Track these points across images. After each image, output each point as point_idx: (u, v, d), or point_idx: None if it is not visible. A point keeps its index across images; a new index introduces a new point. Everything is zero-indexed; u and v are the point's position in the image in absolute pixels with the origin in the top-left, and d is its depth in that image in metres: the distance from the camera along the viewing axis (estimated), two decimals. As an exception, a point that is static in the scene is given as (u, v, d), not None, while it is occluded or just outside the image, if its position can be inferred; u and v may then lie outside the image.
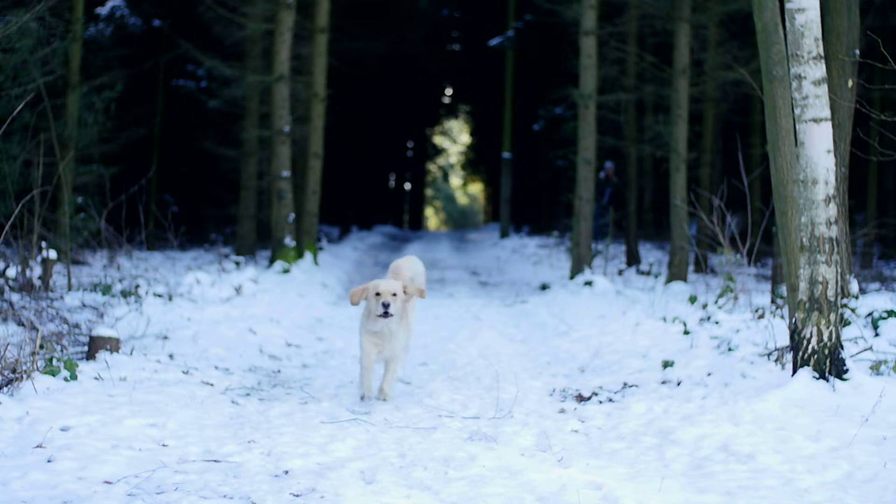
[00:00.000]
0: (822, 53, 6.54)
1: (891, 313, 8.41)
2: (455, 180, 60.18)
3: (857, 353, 7.51)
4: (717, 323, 9.88)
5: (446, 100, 45.02)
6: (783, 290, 9.89)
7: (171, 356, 8.28)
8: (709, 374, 7.73)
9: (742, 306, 10.78)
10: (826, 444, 5.58)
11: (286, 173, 16.67)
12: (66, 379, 6.81)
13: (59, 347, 7.88)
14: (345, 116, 29.84)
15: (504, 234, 29.22)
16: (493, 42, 29.90)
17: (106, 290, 11.25)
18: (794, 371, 6.62)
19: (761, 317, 9.62)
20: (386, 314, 6.90)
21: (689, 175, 16.00)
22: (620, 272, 17.68)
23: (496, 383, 7.75)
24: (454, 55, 39.89)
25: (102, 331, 7.94)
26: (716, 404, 6.52)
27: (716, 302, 11.25)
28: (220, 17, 18.39)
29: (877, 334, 8.21)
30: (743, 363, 7.83)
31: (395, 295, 6.99)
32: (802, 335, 6.56)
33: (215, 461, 5.30)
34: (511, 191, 29.72)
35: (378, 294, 6.97)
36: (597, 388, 7.80)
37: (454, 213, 65.78)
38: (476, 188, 59.14)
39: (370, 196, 37.75)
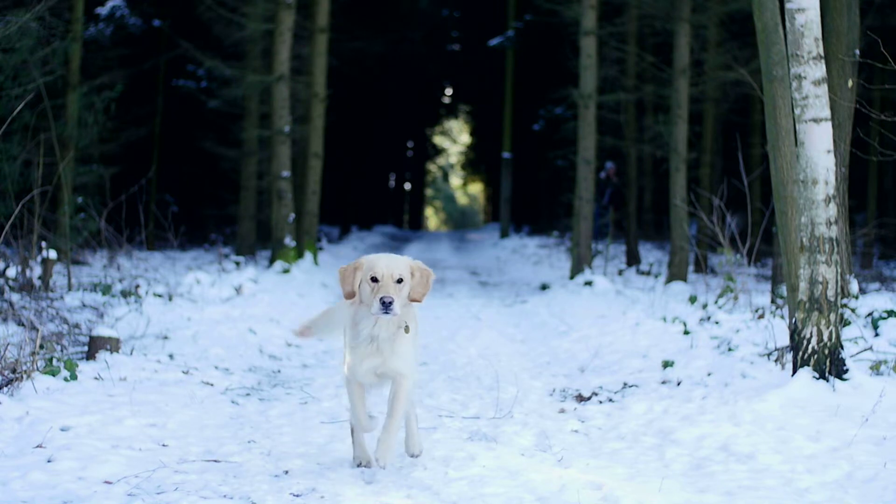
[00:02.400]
0: (822, 53, 6.54)
1: (891, 313, 8.41)
2: (455, 180, 60.18)
3: (857, 353, 7.51)
4: (717, 323, 9.88)
5: (446, 100, 45.03)
6: (783, 290, 9.89)
7: (171, 356, 8.28)
8: (709, 374, 7.73)
9: (742, 306, 10.78)
10: (826, 444, 5.57)
11: (286, 173, 16.67)
12: (66, 379, 6.81)
13: (59, 347, 7.87)
14: (345, 116, 29.84)
15: (504, 234, 29.22)
16: (493, 42, 29.90)
17: (106, 290, 11.25)
18: (794, 371, 6.62)
19: (761, 317, 9.62)
20: (386, 311, 4.82)
21: (689, 175, 16.00)
22: (620, 272, 17.68)
23: (496, 383, 7.75)
24: (454, 55, 39.89)
25: (102, 331, 7.94)
26: (716, 404, 6.52)
27: (716, 302, 11.25)
28: (220, 17, 18.39)
29: (877, 334, 8.21)
30: (743, 363, 7.83)
31: (400, 282, 4.91)
32: (802, 335, 6.56)
33: (215, 461, 5.30)
34: (511, 191, 29.73)
35: (374, 280, 4.89)
36: (597, 388, 7.80)
37: (454, 213, 65.76)
38: (476, 188, 59.14)
39: (370, 196, 37.75)
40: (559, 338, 10.71)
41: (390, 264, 4.92)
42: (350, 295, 4.98)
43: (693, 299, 11.77)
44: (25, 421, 5.73)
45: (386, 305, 4.79)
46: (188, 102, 23.76)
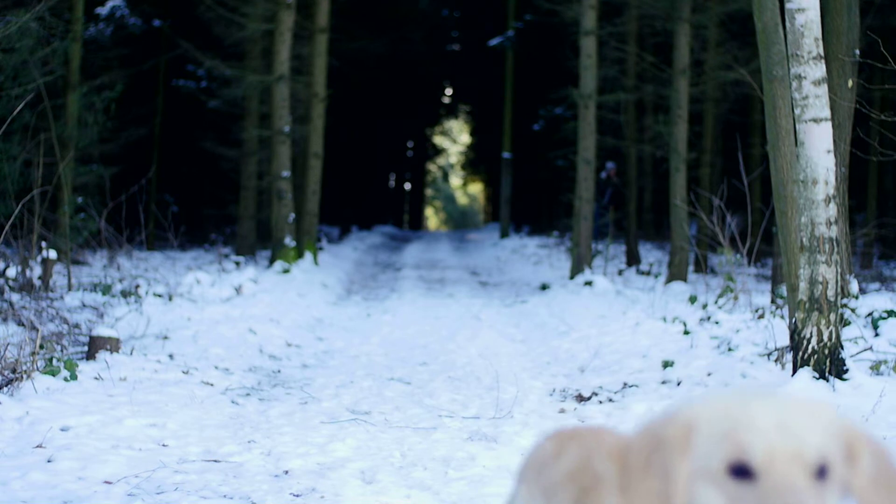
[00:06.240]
0: (822, 53, 6.54)
1: (891, 313, 8.40)
2: (455, 180, 60.19)
3: (857, 353, 7.51)
4: (717, 323, 9.88)
5: (446, 100, 45.02)
6: (783, 290, 9.89)
7: (171, 356, 8.28)
8: (709, 374, 7.73)
9: (742, 306, 10.78)
10: (826, 444, 5.57)
11: (286, 173, 16.67)
12: (66, 379, 6.81)
13: (59, 347, 7.88)
14: (345, 116, 29.85)
15: (504, 234, 29.21)
16: (493, 42, 29.89)
17: (106, 290, 11.25)
18: (794, 371, 6.62)
19: (761, 317, 9.61)
20: None
21: (689, 175, 16.00)
22: (620, 272, 17.68)
23: (496, 383, 7.75)
24: (454, 55, 39.88)
25: (102, 331, 7.94)
26: (716, 404, 6.51)
27: (716, 302, 11.24)
28: (220, 17, 18.39)
29: (877, 334, 8.21)
30: (743, 363, 7.83)
31: (822, 474, 1.42)
32: (802, 335, 6.56)
33: (215, 461, 5.30)
34: (511, 191, 29.72)
35: (742, 472, 1.41)
36: (597, 388, 7.80)
37: (454, 213, 65.77)
38: (476, 188, 59.14)
39: (370, 196, 37.73)
40: (559, 338, 10.70)
41: (786, 423, 1.48)
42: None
43: (693, 299, 11.76)
44: (25, 421, 5.73)
45: None
46: (188, 102, 23.75)
